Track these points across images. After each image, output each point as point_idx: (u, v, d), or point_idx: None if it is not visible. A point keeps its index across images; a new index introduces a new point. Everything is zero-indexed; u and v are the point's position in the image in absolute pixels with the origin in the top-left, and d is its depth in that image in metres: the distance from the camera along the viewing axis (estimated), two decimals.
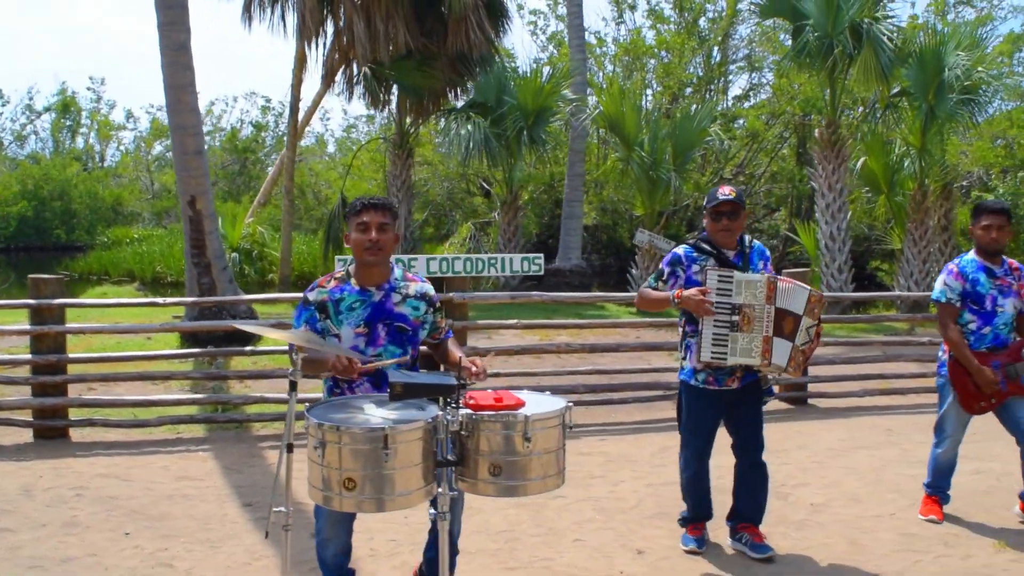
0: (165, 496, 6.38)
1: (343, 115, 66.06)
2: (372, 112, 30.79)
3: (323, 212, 29.32)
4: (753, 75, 31.65)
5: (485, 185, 27.58)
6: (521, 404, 3.77)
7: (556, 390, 8.74)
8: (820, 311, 5.10)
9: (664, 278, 5.24)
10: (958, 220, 20.81)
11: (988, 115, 25.56)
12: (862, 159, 18.09)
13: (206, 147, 39.88)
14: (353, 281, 4.28)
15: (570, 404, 3.91)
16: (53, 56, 75.87)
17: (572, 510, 6.14)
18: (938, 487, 6.14)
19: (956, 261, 5.98)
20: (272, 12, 17.98)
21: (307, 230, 31.86)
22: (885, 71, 16.17)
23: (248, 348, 9.21)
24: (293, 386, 3.71)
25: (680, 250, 5.29)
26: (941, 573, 5.13)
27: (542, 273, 9.61)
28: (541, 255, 9.05)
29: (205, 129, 42.47)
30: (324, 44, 18.99)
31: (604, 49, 31.41)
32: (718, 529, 5.62)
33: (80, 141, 44.92)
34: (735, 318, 5.00)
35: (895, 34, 16.73)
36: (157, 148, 42.87)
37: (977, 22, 27.80)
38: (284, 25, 18.17)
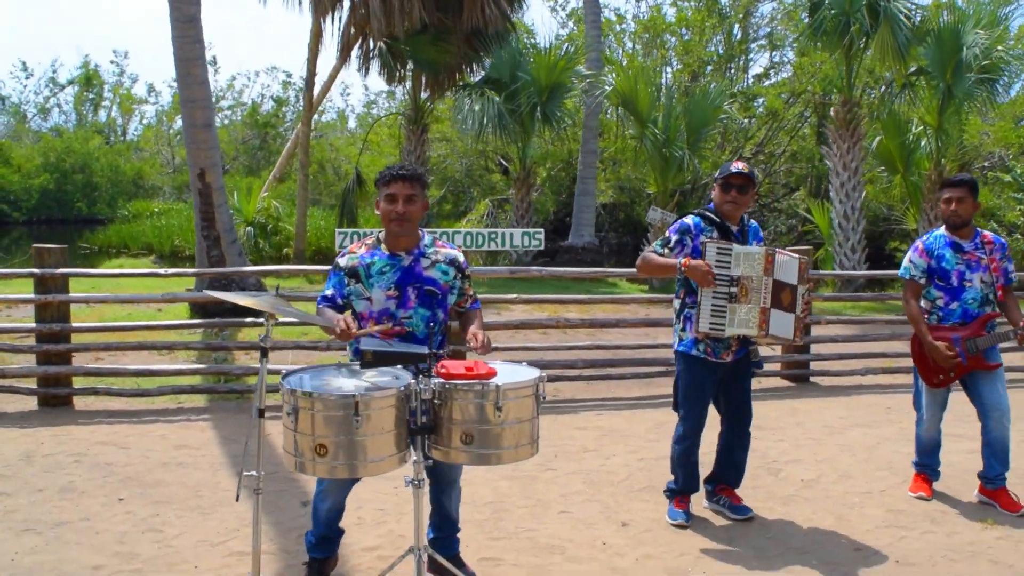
0: (161, 464, 6.47)
1: (364, 90, 66.04)
2: (392, 88, 30.88)
3: (343, 187, 29.47)
4: (774, 53, 31.44)
5: (503, 162, 27.57)
6: (493, 374, 3.81)
7: (555, 364, 8.84)
8: (807, 275, 5.19)
9: (671, 245, 5.29)
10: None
11: (1011, 96, 25.39)
12: (878, 138, 17.93)
13: (227, 121, 40.04)
14: (383, 247, 4.36)
15: (543, 375, 3.96)
16: (76, 29, 76.18)
17: (561, 483, 6.19)
18: (925, 464, 6.15)
19: (924, 237, 5.98)
20: None
21: (326, 205, 31.95)
22: (902, 49, 16.04)
23: (249, 320, 9.27)
24: (264, 353, 3.76)
25: (689, 220, 5.34)
26: (925, 549, 5.14)
27: (542, 247, 9.65)
28: (541, 230, 9.09)
29: (226, 103, 42.83)
30: (340, 18, 18.97)
31: (624, 26, 31.22)
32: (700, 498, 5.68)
33: (103, 114, 45.19)
34: (733, 290, 5.06)
35: (913, 12, 16.57)
36: (179, 122, 42.99)
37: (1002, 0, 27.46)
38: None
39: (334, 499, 4.42)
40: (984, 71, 16.16)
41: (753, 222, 5.48)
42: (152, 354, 9.60)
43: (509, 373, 3.95)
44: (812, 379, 9.75)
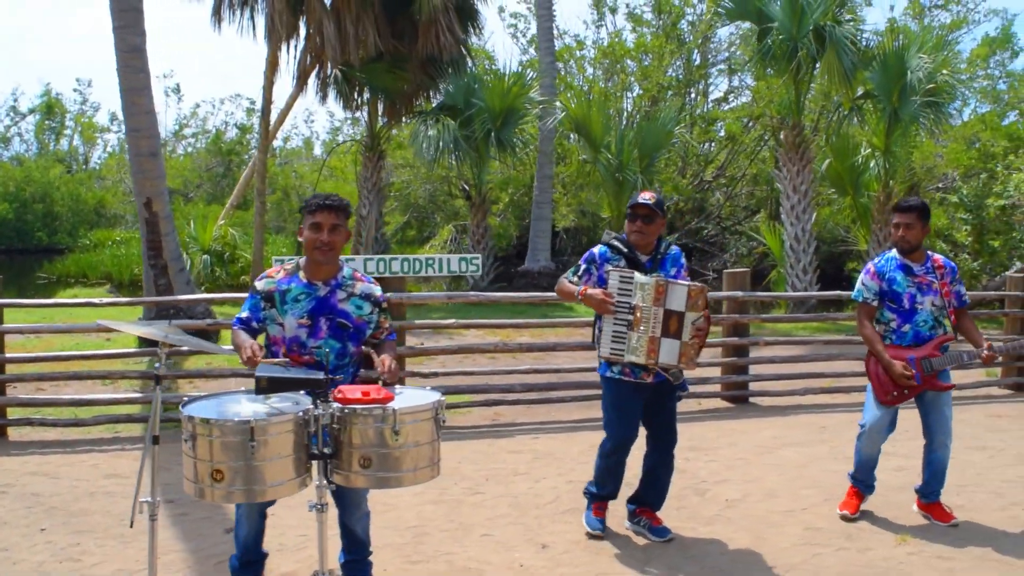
0: (88, 493, 6.46)
1: (329, 117, 66.13)
2: (354, 114, 31.04)
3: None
4: (732, 78, 31.82)
5: (467, 187, 27.71)
6: (390, 398, 3.86)
7: (494, 389, 8.89)
8: (704, 302, 5.23)
9: (580, 274, 5.46)
10: (931, 221, 20.96)
11: (963, 118, 25.85)
12: (827, 161, 18.19)
13: (191, 149, 39.85)
14: (301, 274, 4.40)
15: (442, 399, 4.01)
16: (39, 58, 75.80)
17: (487, 506, 6.23)
18: (860, 480, 6.18)
19: (875, 260, 6.07)
20: (241, 14, 18.05)
21: (290, 232, 31.93)
22: (848, 74, 16.30)
23: (185, 349, 9.25)
24: (158, 380, 3.80)
25: (596, 249, 5.50)
26: (837, 565, 5.23)
27: (479, 273, 9.73)
28: (479, 256, 9.15)
29: (190, 131, 42.73)
30: (296, 47, 19.07)
31: (583, 52, 31.49)
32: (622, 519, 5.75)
33: (64, 143, 44.98)
34: (630, 317, 5.15)
35: (859, 37, 16.86)
36: None
37: (953, 25, 28.03)
38: (253, 27, 18.23)
39: (251, 523, 4.47)
40: (929, 94, 16.44)
41: (675, 248, 5.58)
42: (96, 384, 9.59)
43: (408, 397, 4.00)
44: (752, 399, 9.84)
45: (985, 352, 5.76)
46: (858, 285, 6.05)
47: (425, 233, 30.34)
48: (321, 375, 3.82)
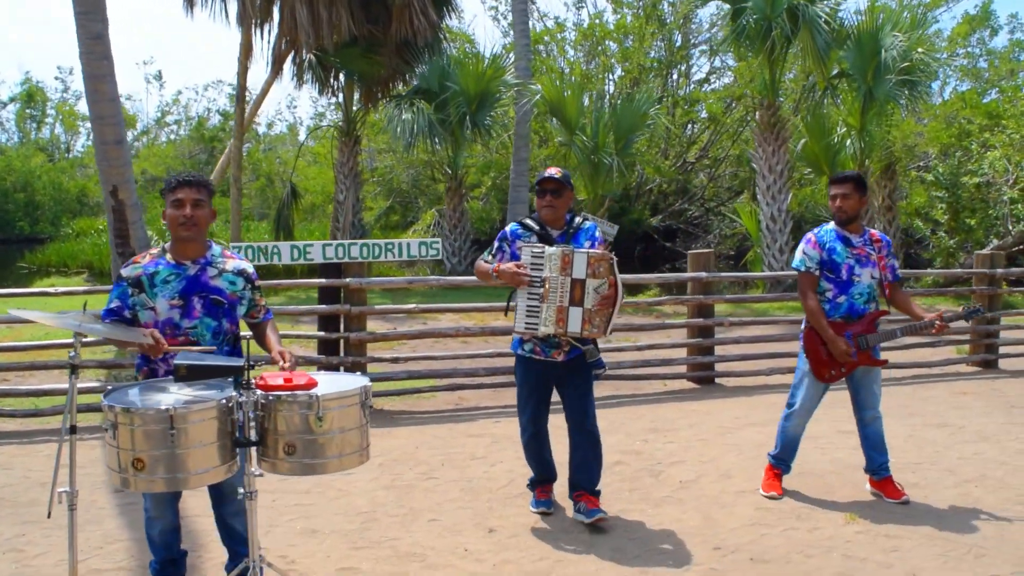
0: (39, 483, 6.42)
1: (313, 103, 65.90)
2: (335, 99, 30.88)
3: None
4: (714, 59, 31.70)
5: (449, 171, 27.63)
6: (313, 384, 3.83)
7: (458, 373, 8.88)
8: (607, 269, 5.19)
9: (493, 252, 5.54)
10: (911, 200, 20.99)
11: (944, 97, 25.80)
12: (803, 140, 18.17)
13: (174, 136, 39.60)
14: (168, 256, 4.34)
15: (368, 384, 3.98)
16: (22, 44, 75.25)
17: (440, 491, 6.22)
18: (782, 460, 6.19)
19: (815, 230, 6.08)
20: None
21: (273, 219, 31.81)
22: (822, 53, 16.30)
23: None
24: (74, 370, 3.77)
25: (508, 228, 5.58)
26: (783, 545, 5.22)
27: (440, 257, 9.69)
28: (439, 239, 9.09)
29: (173, 118, 42.54)
30: (271, 31, 18.95)
31: (564, 35, 31.34)
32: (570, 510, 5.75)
33: (46, 131, 44.72)
34: (541, 290, 5.21)
35: (837, 16, 16.82)
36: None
37: (933, 3, 27.96)
38: (226, 12, 18.12)
39: (164, 521, 4.40)
40: (904, 73, 16.43)
41: (589, 223, 5.57)
42: (62, 374, 9.54)
43: (333, 383, 3.98)
44: (717, 380, 9.84)
45: (938, 322, 5.77)
46: (799, 255, 6.03)
47: (409, 218, 30.26)
48: (241, 361, 3.78)
